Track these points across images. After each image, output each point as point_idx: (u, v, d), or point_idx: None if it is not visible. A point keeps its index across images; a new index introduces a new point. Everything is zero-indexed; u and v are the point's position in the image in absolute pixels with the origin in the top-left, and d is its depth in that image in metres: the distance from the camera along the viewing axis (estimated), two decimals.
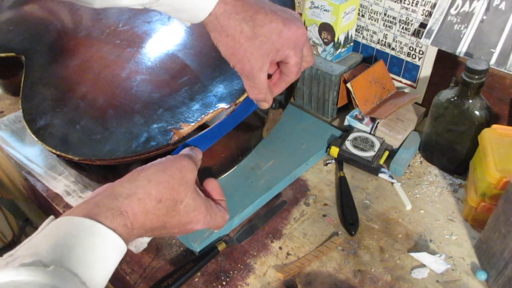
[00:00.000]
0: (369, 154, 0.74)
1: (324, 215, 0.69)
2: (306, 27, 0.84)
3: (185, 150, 0.53)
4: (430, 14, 0.74)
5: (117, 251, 0.39)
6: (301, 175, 0.75)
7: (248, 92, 0.51)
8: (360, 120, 0.81)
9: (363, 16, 0.84)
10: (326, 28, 0.81)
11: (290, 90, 0.74)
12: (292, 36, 0.47)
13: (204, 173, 0.64)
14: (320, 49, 0.85)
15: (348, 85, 0.80)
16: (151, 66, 0.65)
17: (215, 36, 0.47)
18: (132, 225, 0.42)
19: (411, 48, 0.81)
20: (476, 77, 0.64)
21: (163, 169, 0.46)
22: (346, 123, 0.83)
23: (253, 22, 0.45)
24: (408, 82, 0.85)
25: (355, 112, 0.83)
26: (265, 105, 0.53)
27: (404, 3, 0.77)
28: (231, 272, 0.62)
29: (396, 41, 0.82)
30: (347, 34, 0.83)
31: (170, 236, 0.51)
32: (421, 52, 0.79)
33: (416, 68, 0.82)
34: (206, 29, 0.47)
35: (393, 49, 0.84)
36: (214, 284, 0.60)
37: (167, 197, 0.45)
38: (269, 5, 0.47)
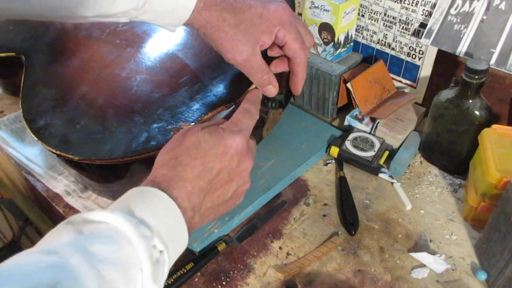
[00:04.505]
0: (369, 154, 0.74)
1: (324, 215, 0.69)
2: None
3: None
4: (430, 14, 0.74)
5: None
6: (301, 175, 0.75)
7: (252, 79, 0.51)
8: (360, 120, 0.81)
9: (363, 16, 0.84)
10: (326, 28, 0.81)
11: (290, 90, 0.73)
12: (273, 15, 0.48)
13: None
14: (320, 49, 0.85)
15: (348, 85, 0.80)
16: (151, 66, 0.65)
17: (203, 31, 0.49)
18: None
19: (411, 48, 0.81)
20: (476, 77, 0.64)
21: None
22: (346, 123, 0.83)
23: (233, 10, 0.47)
24: (408, 82, 0.85)
25: (355, 112, 0.83)
26: (272, 90, 0.52)
27: (404, 3, 0.77)
28: (231, 272, 0.62)
29: (396, 41, 0.82)
30: (347, 34, 0.83)
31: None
32: (421, 52, 0.79)
33: (416, 68, 0.82)
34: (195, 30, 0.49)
35: (393, 49, 0.84)
36: (214, 284, 0.60)
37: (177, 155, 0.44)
38: None
